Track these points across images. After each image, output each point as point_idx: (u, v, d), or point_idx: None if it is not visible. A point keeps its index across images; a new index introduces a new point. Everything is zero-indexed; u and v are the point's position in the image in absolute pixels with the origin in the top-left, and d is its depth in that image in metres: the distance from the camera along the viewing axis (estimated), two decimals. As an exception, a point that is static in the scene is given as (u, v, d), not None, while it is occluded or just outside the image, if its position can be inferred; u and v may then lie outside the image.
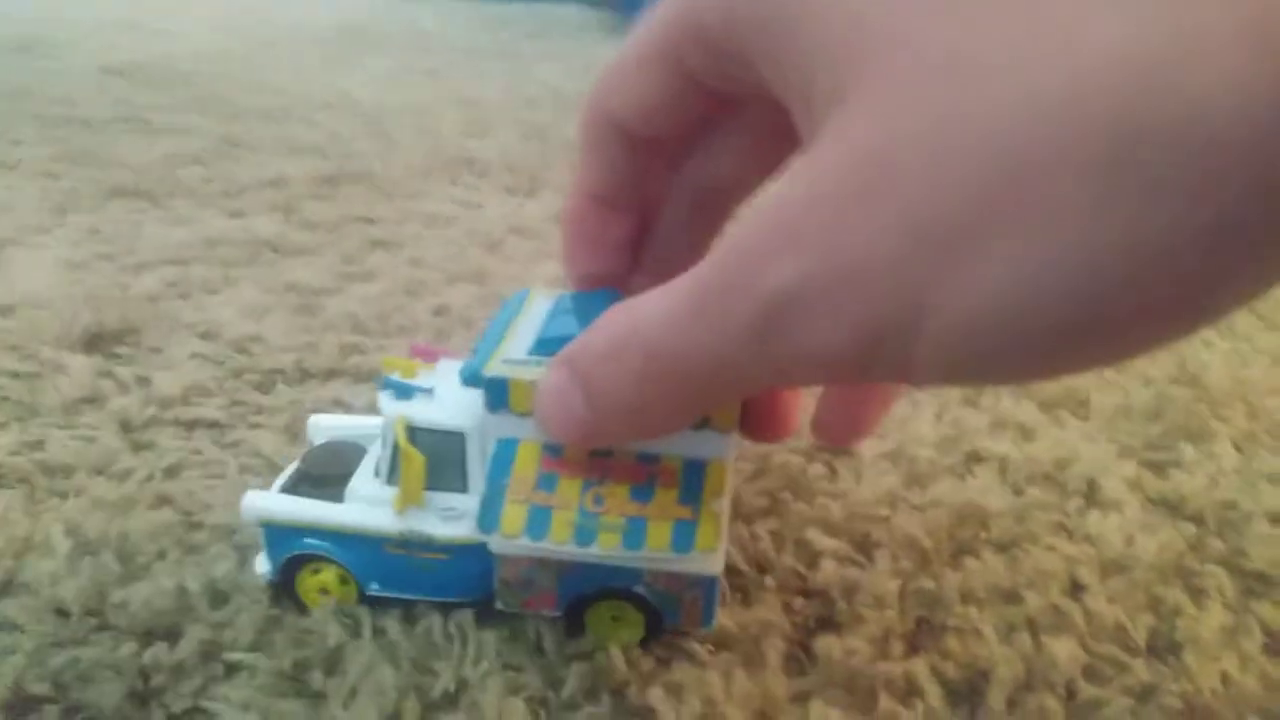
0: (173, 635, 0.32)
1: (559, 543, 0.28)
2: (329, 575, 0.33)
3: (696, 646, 0.33)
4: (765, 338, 0.20)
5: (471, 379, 0.29)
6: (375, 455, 0.35)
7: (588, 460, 0.29)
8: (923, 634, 0.34)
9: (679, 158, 0.30)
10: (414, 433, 0.31)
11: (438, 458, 0.32)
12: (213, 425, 0.46)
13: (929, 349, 0.18)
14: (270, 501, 0.33)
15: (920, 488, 0.42)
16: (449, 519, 0.32)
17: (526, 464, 0.29)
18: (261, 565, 0.34)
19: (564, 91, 1.24)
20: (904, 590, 0.36)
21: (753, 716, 0.30)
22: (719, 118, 0.28)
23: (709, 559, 0.30)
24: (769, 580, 0.36)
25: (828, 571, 0.36)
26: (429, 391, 0.32)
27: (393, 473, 0.32)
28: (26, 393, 0.47)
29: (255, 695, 0.30)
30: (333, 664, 0.32)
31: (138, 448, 0.43)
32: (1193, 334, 0.18)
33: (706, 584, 0.31)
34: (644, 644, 0.32)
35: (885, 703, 0.31)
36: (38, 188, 0.77)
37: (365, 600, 0.34)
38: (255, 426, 0.45)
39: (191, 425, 0.45)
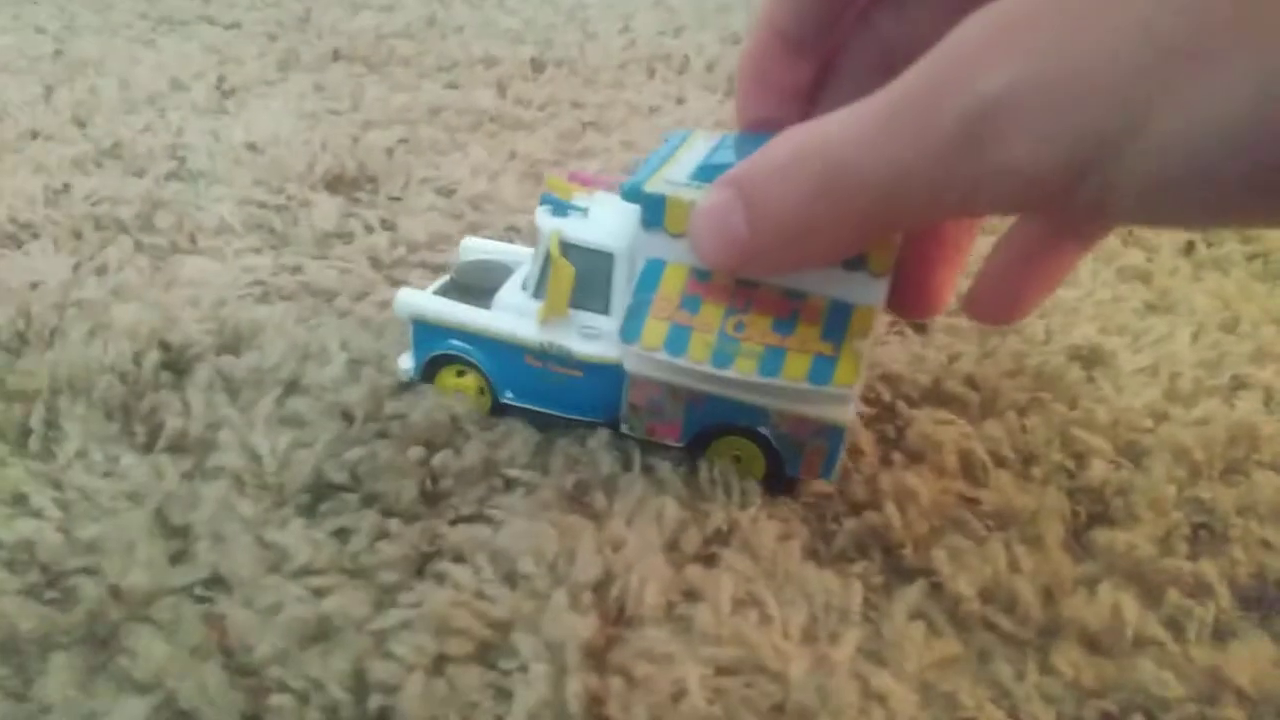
0: (453, 446, 0.33)
1: (696, 361, 0.28)
2: (470, 380, 0.34)
3: (971, 518, 0.32)
4: (965, 150, 0.19)
5: (631, 194, 0.29)
6: (523, 272, 0.35)
7: (734, 288, 0.28)
8: (1204, 540, 0.33)
9: (871, 7, 0.29)
10: (565, 248, 0.31)
11: (585, 276, 0.31)
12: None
13: (1138, 169, 0.18)
14: (422, 300, 0.34)
15: (1184, 406, 0.40)
16: (589, 337, 0.32)
17: (672, 284, 0.29)
18: (405, 362, 0.35)
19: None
20: (1180, 497, 0.34)
21: (1039, 592, 0.29)
22: None
23: (839, 407, 0.29)
24: (1036, 471, 0.35)
25: (1097, 470, 0.35)
26: (584, 211, 0.32)
27: (540, 286, 0.32)
28: (279, 223, 0.49)
29: (538, 508, 0.31)
30: (610, 489, 0.32)
31: (393, 281, 0.44)
32: None
33: (832, 434, 0.30)
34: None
35: (1174, 597, 0.30)
36: (257, 47, 0.80)
37: (498, 411, 0.34)
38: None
39: (438, 270, 0.46)
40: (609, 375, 0.32)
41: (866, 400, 0.38)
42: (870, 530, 0.31)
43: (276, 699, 0.24)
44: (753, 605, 0.28)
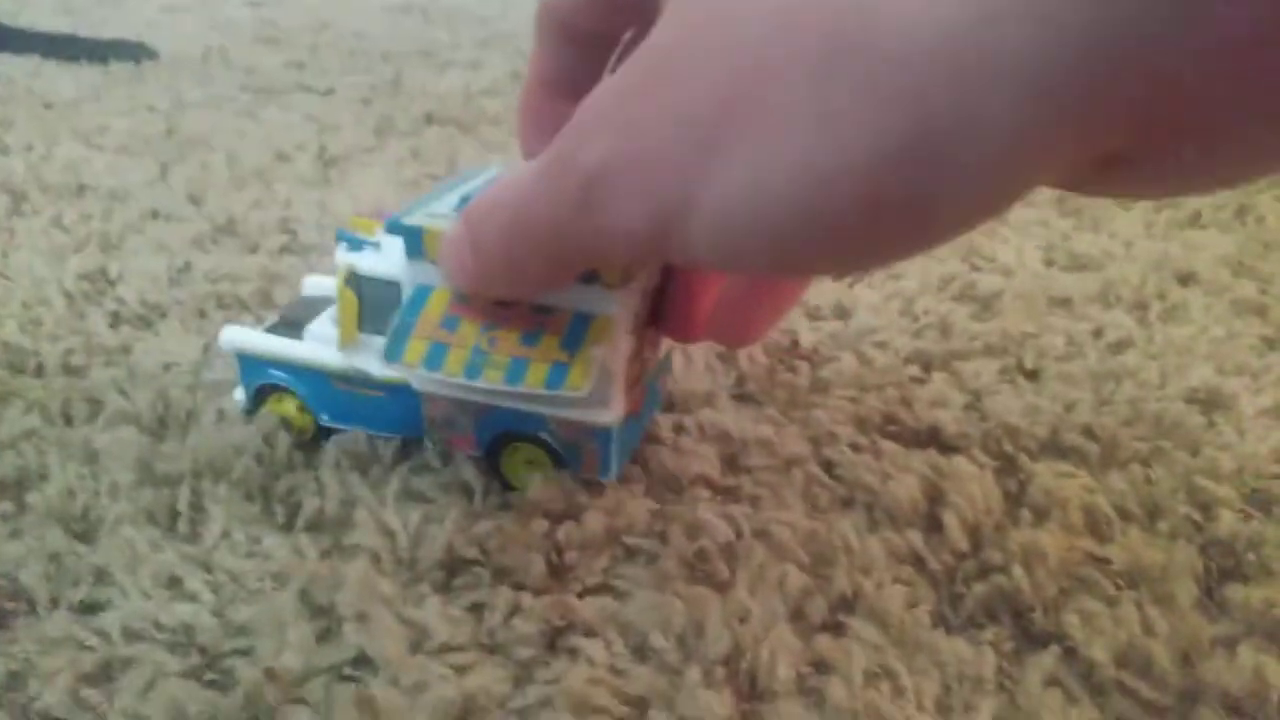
0: (573, 517, 0.34)
1: (451, 374, 0.31)
2: (289, 405, 0.37)
3: (1101, 577, 0.32)
4: (585, 209, 0.22)
5: (392, 227, 0.32)
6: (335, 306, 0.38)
7: (490, 308, 0.31)
8: (1348, 595, 0.32)
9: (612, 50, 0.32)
10: (358, 280, 0.34)
11: (378, 304, 0.34)
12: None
13: (702, 234, 0.20)
14: (243, 336, 0.37)
15: (1313, 447, 0.39)
16: None
17: (436, 308, 0.32)
18: (238, 395, 0.38)
19: None
20: (1317, 548, 0.33)
21: (1176, 655, 0.29)
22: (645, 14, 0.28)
23: (602, 411, 0.33)
24: (1162, 525, 0.34)
25: (1226, 521, 0.34)
26: (377, 245, 0.35)
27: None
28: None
29: (662, 579, 0.31)
30: (731, 557, 0.32)
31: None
32: (928, 247, 0.19)
33: (601, 435, 0.33)
34: (1051, 570, 0.32)
35: (1321, 658, 0.29)
36: (352, 114, 0.83)
37: (321, 430, 0.37)
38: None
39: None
40: (409, 393, 0.35)
41: (988, 453, 0.38)
42: (999, 593, 0.31)
43: (429, 780, 0.25)
44: (885, 677, 0.28)
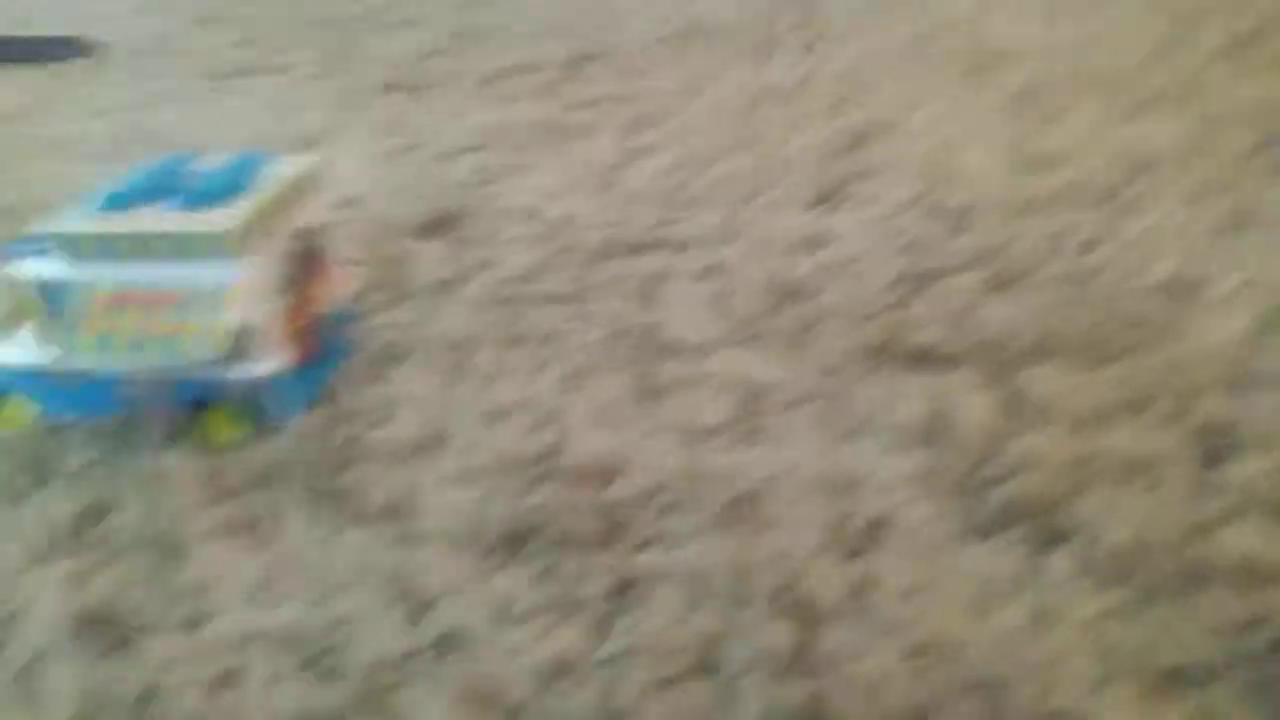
0: (621, 475, 0.37)
1: (118, 356, 0.37)
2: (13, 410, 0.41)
3: (1103, 471, 0.35)
4: None
5: (50, 235, 0.38)
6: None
7: (144, 291, 0.37)
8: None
9: None
10: (43, 286, 0.39)
11: (60, 303, 0.39)
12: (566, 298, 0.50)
13: None
14: None
15: None
16: None
17: (99, 299, 0.38)
18: None
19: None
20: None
21: (1187, 534, 0.32)
22: None
23: (262, 364, 0.38)
24: (1150, 416, 0.38)
25: (1212, 403, 0.38)
26: (45, 252, 0.39)
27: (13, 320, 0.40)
28: (395, 277, 0.53)
29: (705, 527, 0.35)
30: (761, 499, 0.36)
31: (514, 318, 0.48)
32: None
33: (274, 383, 0.39)
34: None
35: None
36: (315, 90, 0.83)
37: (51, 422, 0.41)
38: (604, 297, 0.49)
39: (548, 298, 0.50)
40: (112, 380, 0.39)
41: (980, 368, 0.41)
42: (1012, 499, 0.34)
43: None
44: (920, 589, 0.31)
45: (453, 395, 0.42)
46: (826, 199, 0.57)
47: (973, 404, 0.39)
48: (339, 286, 0.43)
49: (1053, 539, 0.33)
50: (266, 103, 0.81)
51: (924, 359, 0.42)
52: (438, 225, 0.58)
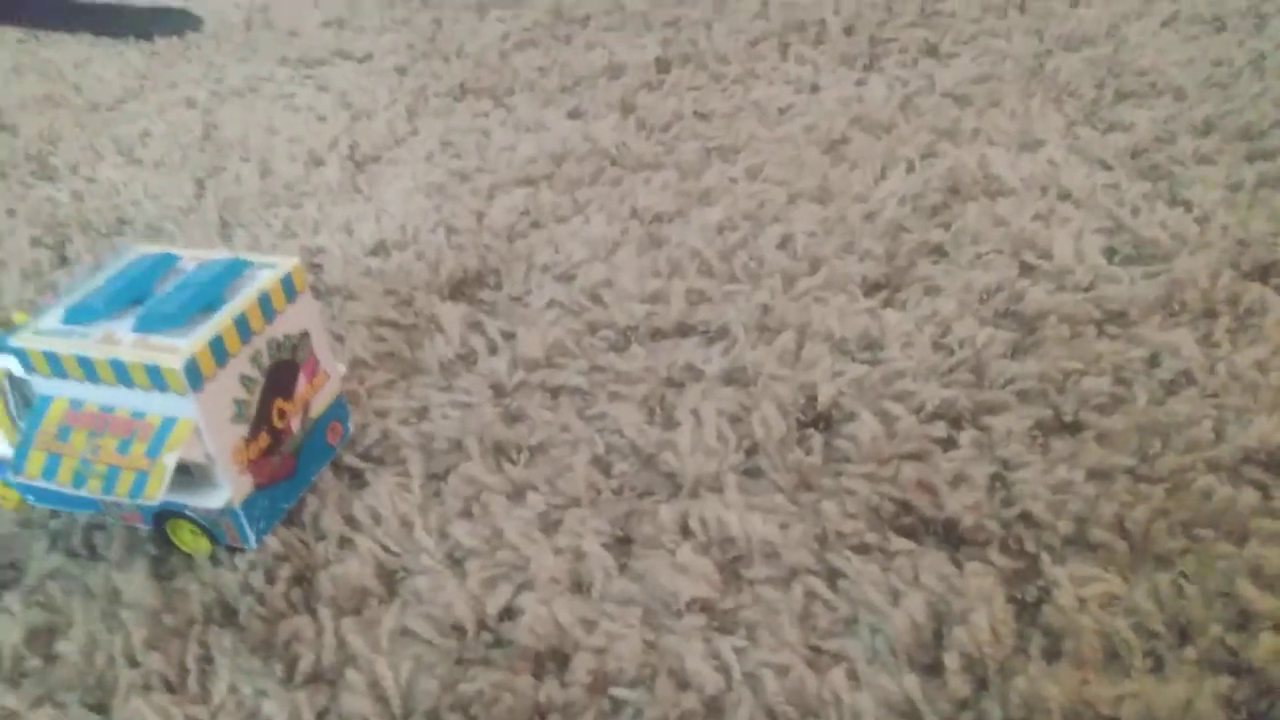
0: (562, 660, 0.34)
1: (62, 484, 0.35)
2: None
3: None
4: None
5: (4, 347, 0.37)
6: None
7: (97, 414, 0.36)
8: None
9: None
10: (11, 381, 0.38)
11: (25, 397, 0.38)
12: (575, 392, 0.46)
13: None
14: None
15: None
16: None
17: (52, 418, 0.36)
18: None
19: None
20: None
21: None
22: None
23: (214, 495, 0.37)
24: (1189, 651, 0.32)
25: (1265, 645, 0.32)
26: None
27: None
28: (407, 347, 0.50)
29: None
30: (717, 712, 0.32)
31: (509, 417, 0.45)
32: None
33: (231, 514, 0.37)
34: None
35: None
36: (387, 89, 0.80)
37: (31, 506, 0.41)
38: (615, 398, 0.46)
39: (556, 391, 0.47)
40: None
41: (1006, 553, 0.36)
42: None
43: None
44: None
45: (418, 527, 0.40)
46: (888, 283, 0.51)
47: (981, 618, 0.34)
48: (321, 390, 0.41)
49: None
50: (339, 100, 0.79)
51: (944, 535, 0.37)
52: (468, 283, 0.55)
